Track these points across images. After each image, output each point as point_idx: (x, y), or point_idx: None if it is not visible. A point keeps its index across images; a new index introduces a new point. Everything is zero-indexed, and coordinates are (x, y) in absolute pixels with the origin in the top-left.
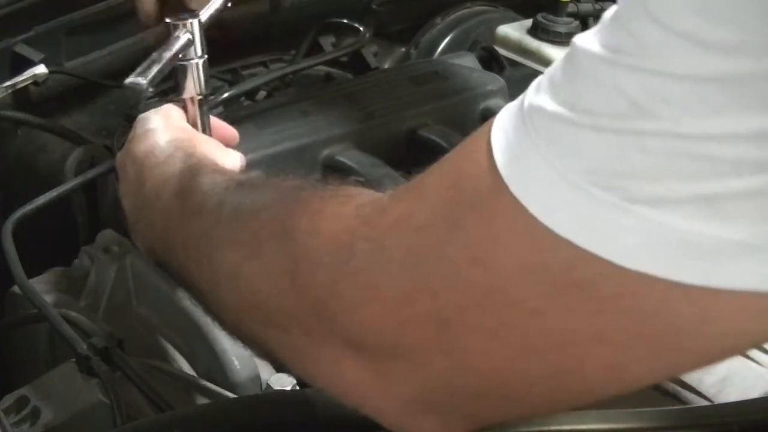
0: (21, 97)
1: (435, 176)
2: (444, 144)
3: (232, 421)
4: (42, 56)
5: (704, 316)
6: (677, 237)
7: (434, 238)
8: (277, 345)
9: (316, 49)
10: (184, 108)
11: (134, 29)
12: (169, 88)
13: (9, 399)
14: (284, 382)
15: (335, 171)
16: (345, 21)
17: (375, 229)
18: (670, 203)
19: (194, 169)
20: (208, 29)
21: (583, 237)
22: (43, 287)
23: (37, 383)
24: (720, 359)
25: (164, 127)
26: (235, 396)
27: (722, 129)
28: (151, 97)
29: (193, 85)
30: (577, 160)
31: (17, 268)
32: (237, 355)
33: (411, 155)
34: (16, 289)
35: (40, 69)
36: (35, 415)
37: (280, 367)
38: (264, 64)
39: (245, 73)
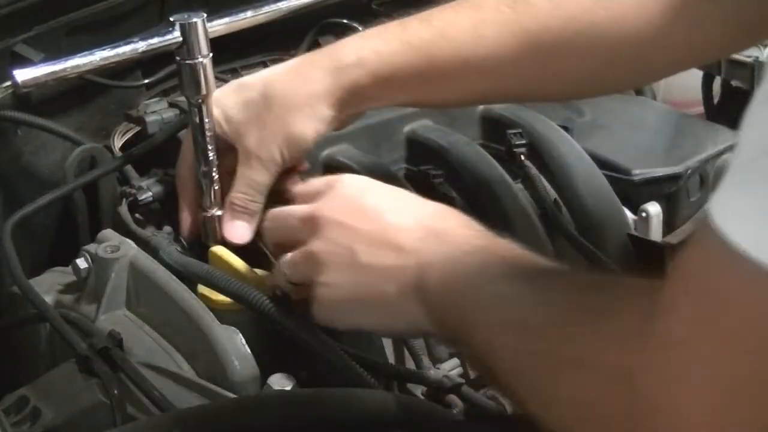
0: (21, 97)
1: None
2: (444, 144)
3: (232, 421)
4: (42, 56)
5: None
6: None
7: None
8: None
9: (316, 49)
10: (188, 107)
11: (134, 29)
12: (169, 87)
13: (9, 399)
14: (284, 382)
15: (335, 171)
16: (345, 21)
17: (649, 355)
18: None
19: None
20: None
21: None
22: (43, 287)
23: (37, 383)
24: None
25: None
26: (234, 396)
27: None
28: (151, 97)
29: (197, 84)
30: None
31: (17, 268)
32: (237, 355)
33: (411, 155)
34: (16, 289)
35: None
36: (35, 415)
37: (279, 367)
38: (264, 64)
39: (245, 73)
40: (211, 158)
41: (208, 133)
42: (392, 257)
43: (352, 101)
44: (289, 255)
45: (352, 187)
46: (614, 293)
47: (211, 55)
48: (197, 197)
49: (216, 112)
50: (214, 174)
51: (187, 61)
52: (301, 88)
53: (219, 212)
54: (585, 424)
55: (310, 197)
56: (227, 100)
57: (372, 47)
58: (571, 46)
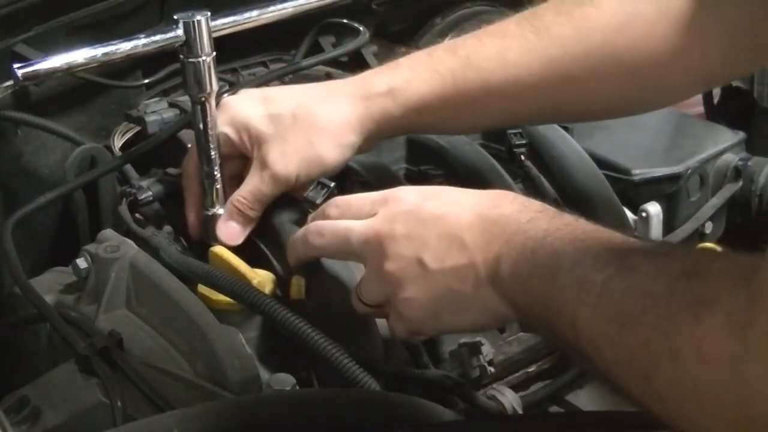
0: (21, 97)
1: None
2: (443, 144)
3: (231, 421)
4: (42, 56)
5: None
6: None
7: None
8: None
9: (316, 49)
10: (191, 106)
11: (134, 29)
12: (169, 87)
13: (9, 399)
14: (284, 382)
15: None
16: (345, 21)
17: (754, 344)
18: None
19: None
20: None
21: None
22: (43, 287)
23: (37, 383)
24: None
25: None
26: (234, 396)
27: None
28: (151, 97)
29: (200, 83)
30: None
31: (17, 268)
32: (237, 355)
33: (411, 155)
34: (16, 289)
35: None
36: (35, 415)
37: (279, 367)
38: (264, 64)
39: (245, 73)
40: (213, 157)
41: (210, 132)
42: (459, 256)
43: (380, 130)
44: (360, 279)
45: (407, 200)
46: (710, 280)
47: (214, 54)
48: (202, 196)
49: (232, 118)
50: (216, 173)
51: (191, 60)
52: (332, 114)
53: (221, 211)
54: (689, 412)
55: (360, 213)
56: (251, 109)
57: (401, 77)
58: (595, 72)
